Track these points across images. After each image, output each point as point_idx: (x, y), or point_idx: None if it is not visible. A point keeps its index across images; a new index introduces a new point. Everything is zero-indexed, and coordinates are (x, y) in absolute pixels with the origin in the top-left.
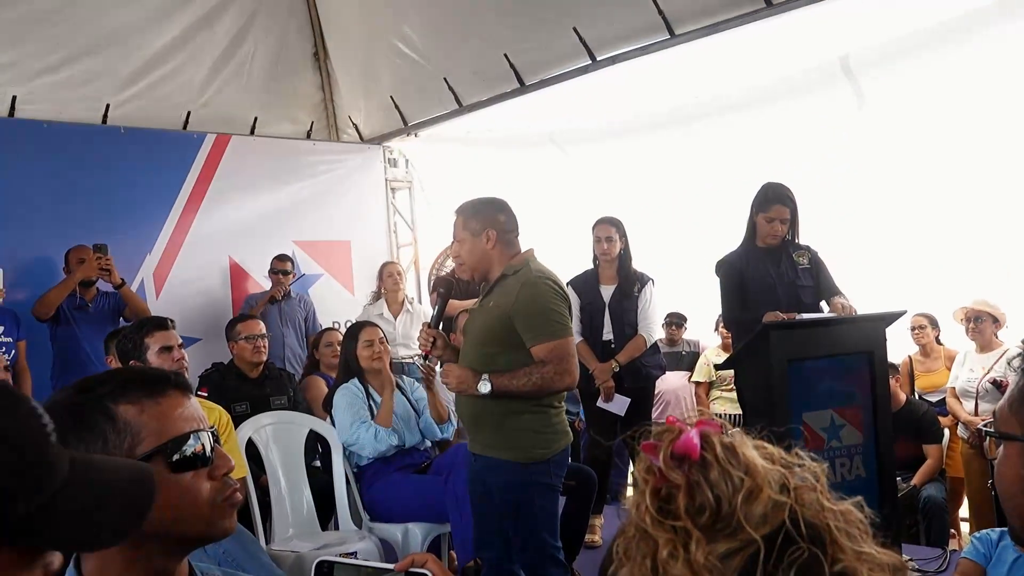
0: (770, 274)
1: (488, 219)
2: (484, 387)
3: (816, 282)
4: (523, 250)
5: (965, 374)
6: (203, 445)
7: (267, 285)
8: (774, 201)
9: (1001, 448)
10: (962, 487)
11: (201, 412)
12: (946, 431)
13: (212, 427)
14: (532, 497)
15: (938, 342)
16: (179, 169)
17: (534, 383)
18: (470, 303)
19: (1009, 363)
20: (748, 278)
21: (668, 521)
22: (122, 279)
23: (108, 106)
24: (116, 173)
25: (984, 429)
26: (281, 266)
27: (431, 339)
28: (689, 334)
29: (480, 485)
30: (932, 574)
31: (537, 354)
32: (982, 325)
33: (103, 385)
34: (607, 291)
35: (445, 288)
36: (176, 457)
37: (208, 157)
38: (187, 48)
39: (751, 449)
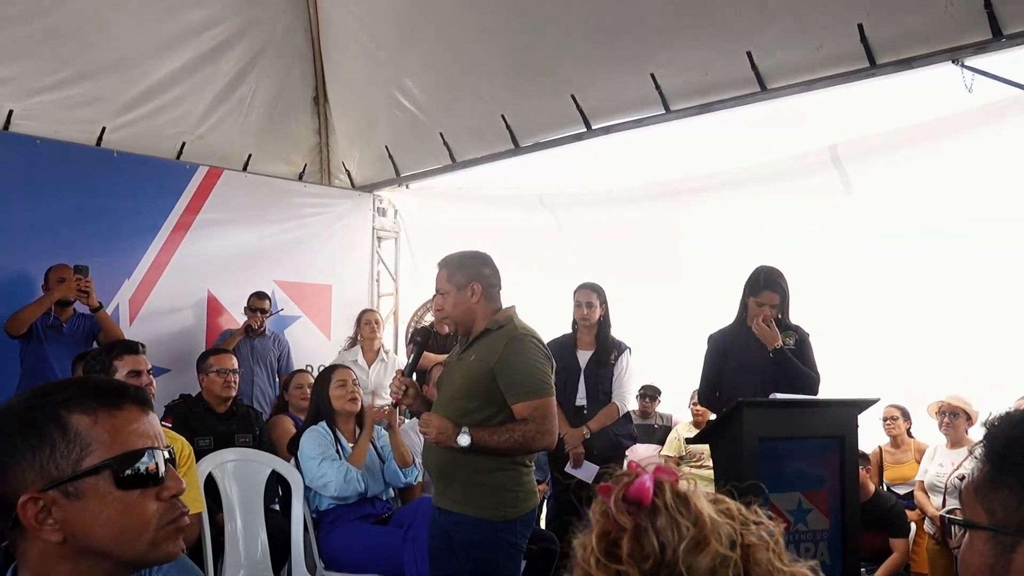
0: (754, 354)
1: (474, 273)
2: (464, 440)
3: (801, 362)
4: (505, 306)
5: (935, 468)
6: (156, 464)
7: (243, 321)
8: (764, 287)
9: (966, 536)
10: None
11: (158, 429)
12: (912, 525)
13: (169, 447)
14: (496, 556)
15: (909, 434)
16: (168, 198)
17: (515, 440)
18: (444, 357)
19: (970, 452)
20: (732, 356)
21: (612, 565)
22: (99, 302)
23: (104, 129)
24: (104, 196)
25: (949, 517)
26: (259, 304)
27: (403, 387)
28: (663, 407)
29: (442, 540)
30: None
31: (519, 412)
32: (957, 421)
33: (60, 392)
34: (583, 356)
35: (423, 337)
36: (125, 472)
37: (198, 189)
38: (189, 80)
39: (704, 501)
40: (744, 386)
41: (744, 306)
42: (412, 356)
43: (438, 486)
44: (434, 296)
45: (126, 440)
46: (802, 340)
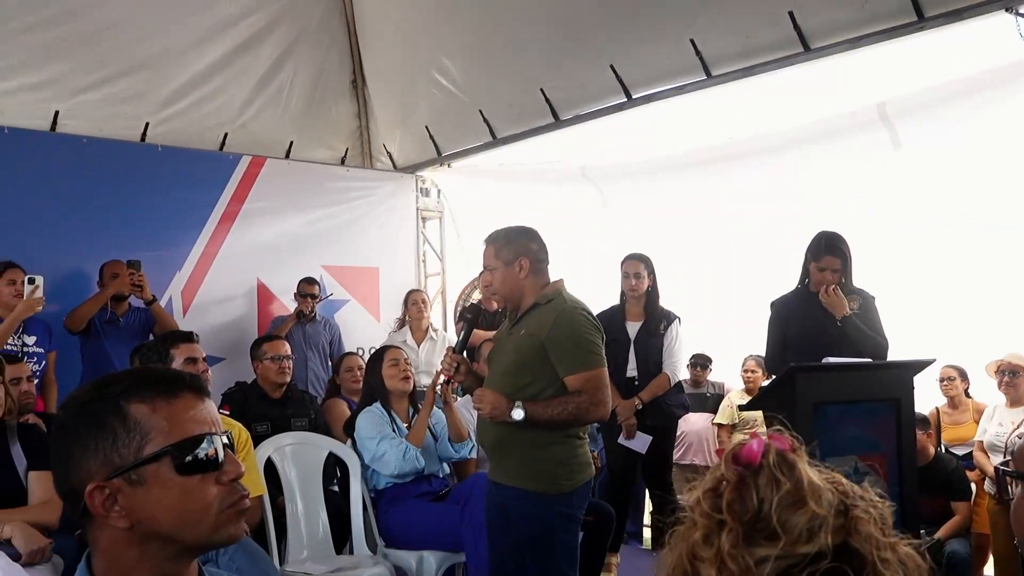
0: (816, 320)
1: (521, 248)
2: (518, 414)
3: (867, 327)
4: (553, 280)
5: (994, 428)
6: (215, 449)
7: (294, 308)
8: (825, 252)
9: (1019, 488)
10: (987, 543)
11: (216, 416)
12: (972, 486)
13: (226, 431)
14: (554, 529)
15: (967, 395)
16: (213, 189)
17: (569, 412)
18: (493, 334)
19: None
20: (794, 322)
21: (715, 515)
22: (153, 296)
23: (147, 124)
24: (151, 190)
25: (1003, 470)
26: (308, 289)
27: (455, 364)
28: (714, 376)
29: (499, 515)
30: None
31: (572, 384)
32: (1016, 379)
33: (118, 383)
34: (633, 327)
35: (473, 314)
36: (185, 458)
37: (242, 178)
38: (228, 71)
39: (808, 467)
40: (807, 352)
41: (806, 272)
42: (462, 333)
43: (493, 461)
44: (481, 273)
45: (184, 427)
46: (866, 304)
